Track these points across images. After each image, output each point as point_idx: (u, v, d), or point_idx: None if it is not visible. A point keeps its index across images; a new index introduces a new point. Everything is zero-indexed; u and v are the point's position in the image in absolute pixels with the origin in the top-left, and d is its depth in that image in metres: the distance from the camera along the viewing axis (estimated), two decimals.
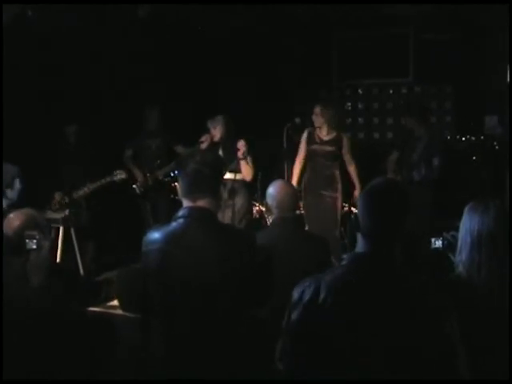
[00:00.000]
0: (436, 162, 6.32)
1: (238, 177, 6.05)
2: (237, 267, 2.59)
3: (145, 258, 2.72)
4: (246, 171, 6.11)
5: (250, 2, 6.64)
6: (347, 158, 6.44)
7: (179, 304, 2.62)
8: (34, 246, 3.21)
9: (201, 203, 2.69)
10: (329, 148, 6.37)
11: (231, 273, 2.58)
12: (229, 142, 6.17)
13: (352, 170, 6.45)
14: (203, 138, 6.19)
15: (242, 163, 6.05)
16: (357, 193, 6.35)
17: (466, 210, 2.69)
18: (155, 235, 2.70)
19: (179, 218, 2.69)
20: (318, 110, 6.40)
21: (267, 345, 2.20)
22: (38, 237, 3.21)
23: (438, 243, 3.40)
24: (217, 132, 6.20)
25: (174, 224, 2.69)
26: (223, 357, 2.59)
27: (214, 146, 6.19)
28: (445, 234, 3.15)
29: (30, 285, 3.17)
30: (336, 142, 6.39)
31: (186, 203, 2.73)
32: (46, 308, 3.14)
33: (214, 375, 2.56)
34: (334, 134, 6.41)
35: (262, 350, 2.50)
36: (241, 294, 2.61)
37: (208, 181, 2.71)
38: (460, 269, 2.63)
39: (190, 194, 2.71)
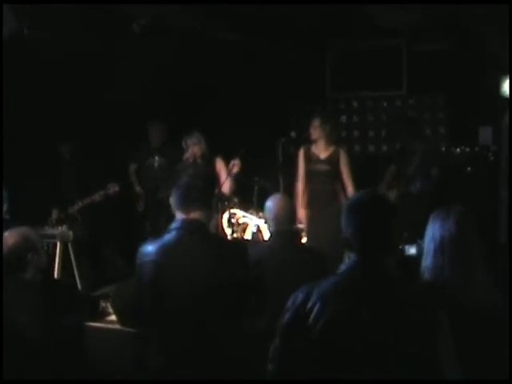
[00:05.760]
0: (434, 172, 6.20)
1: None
2: (229, 278, 2.64)
3: (139, 269, 2.76)
4: (230, 187, 6.16)
5: (243, 15, 6.67)
6: (345, 174, 6.14)
7: (173, 314, 2.66)
8: None
9: (193, 215, 2.74)
10: (325, 167, 6.18)
11: (223, 283, 2.62)
12: (206, 157, 6.29)
13: (348, 189, 6.09)
14: (187, 155, 6.27)
15: (229, 179, 6.10)
16: None
17: (430, 218, 2.76)
18: (149, 248, 2.75)
19: (172, 230, 2.74)
20: (317, 123, 6.18)
21: (263, 355, 2.21)
22: None
23: (412, 250, 3.43)
24: (198, 149, 6.30)
25: (167, 236, 2.74)
26: (219, 366, 2.61)
27: (195, 162, 6.27)
28: (419, 241, 3.17)
29: None
30: (332, 160, 6.18)
31: (178, 215, 2.78)
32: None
33: None
34: (330, 151, 6.20)
35: (257, 359, 2.52)
36: (233, 304, 2.64)
37: (200, 193, 2.76)
38: (426, 275, 2.68)
39: (183, 206, 2.76)
